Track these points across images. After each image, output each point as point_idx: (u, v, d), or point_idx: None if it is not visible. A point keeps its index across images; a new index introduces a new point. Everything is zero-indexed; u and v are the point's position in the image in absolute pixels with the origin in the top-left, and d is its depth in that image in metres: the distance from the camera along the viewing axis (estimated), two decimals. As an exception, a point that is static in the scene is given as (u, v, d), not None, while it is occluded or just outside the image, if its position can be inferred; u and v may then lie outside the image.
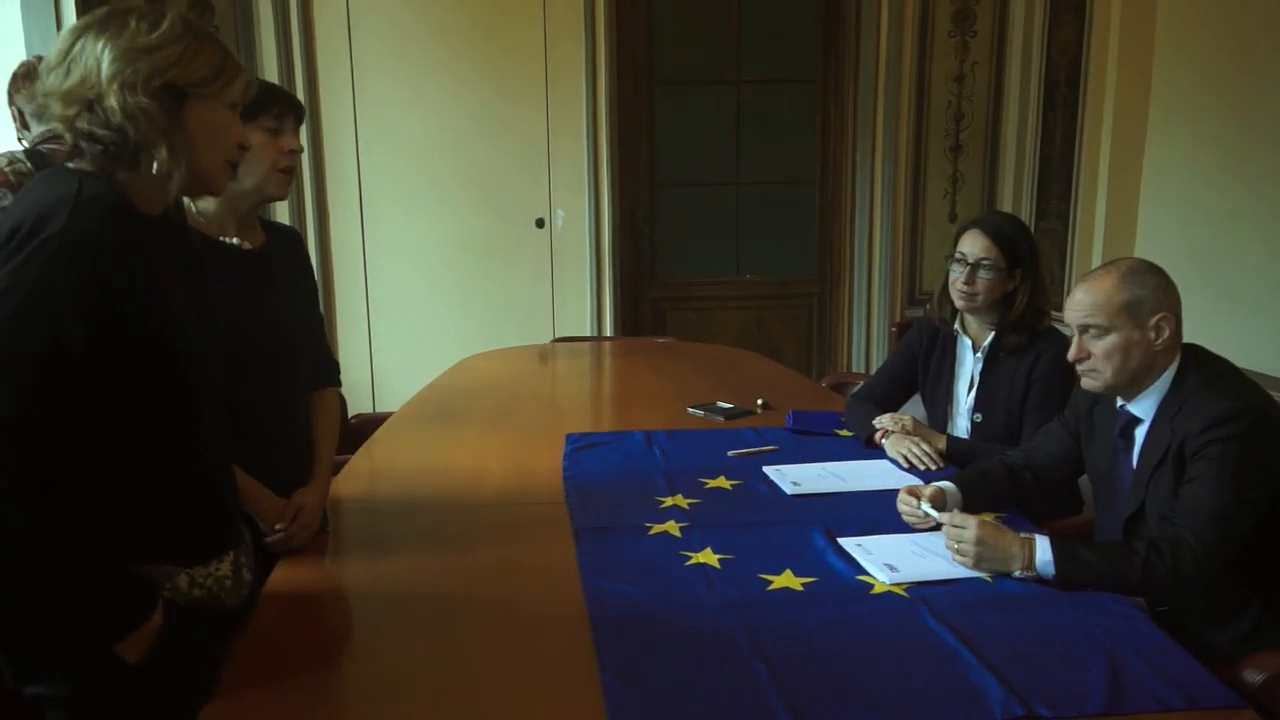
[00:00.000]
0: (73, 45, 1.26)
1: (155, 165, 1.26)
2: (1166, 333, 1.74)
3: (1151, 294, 1.75)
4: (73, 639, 1.23)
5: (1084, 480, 2.09)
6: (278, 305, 1.82)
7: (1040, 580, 1.63)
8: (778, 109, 5.14)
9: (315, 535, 1.81)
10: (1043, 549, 1.63)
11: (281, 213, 4.51)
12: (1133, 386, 1.79)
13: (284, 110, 1.78)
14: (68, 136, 1.28)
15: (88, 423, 1.21)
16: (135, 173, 1.28)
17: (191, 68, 1.28)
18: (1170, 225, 4.26)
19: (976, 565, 1.67)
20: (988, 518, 1.93)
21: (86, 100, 1.24)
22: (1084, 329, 1.78)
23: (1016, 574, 1.64)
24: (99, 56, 1.23)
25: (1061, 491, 2.15)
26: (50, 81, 1.26)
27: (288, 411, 1.87)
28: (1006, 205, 5.10)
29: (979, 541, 1.66)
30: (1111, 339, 1.75)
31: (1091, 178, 4.58)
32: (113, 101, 1.23)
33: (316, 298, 2.03)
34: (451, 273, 4.84)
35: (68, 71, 1.25)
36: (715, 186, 5.18)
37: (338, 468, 2.17)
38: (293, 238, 1.97)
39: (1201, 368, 1.77)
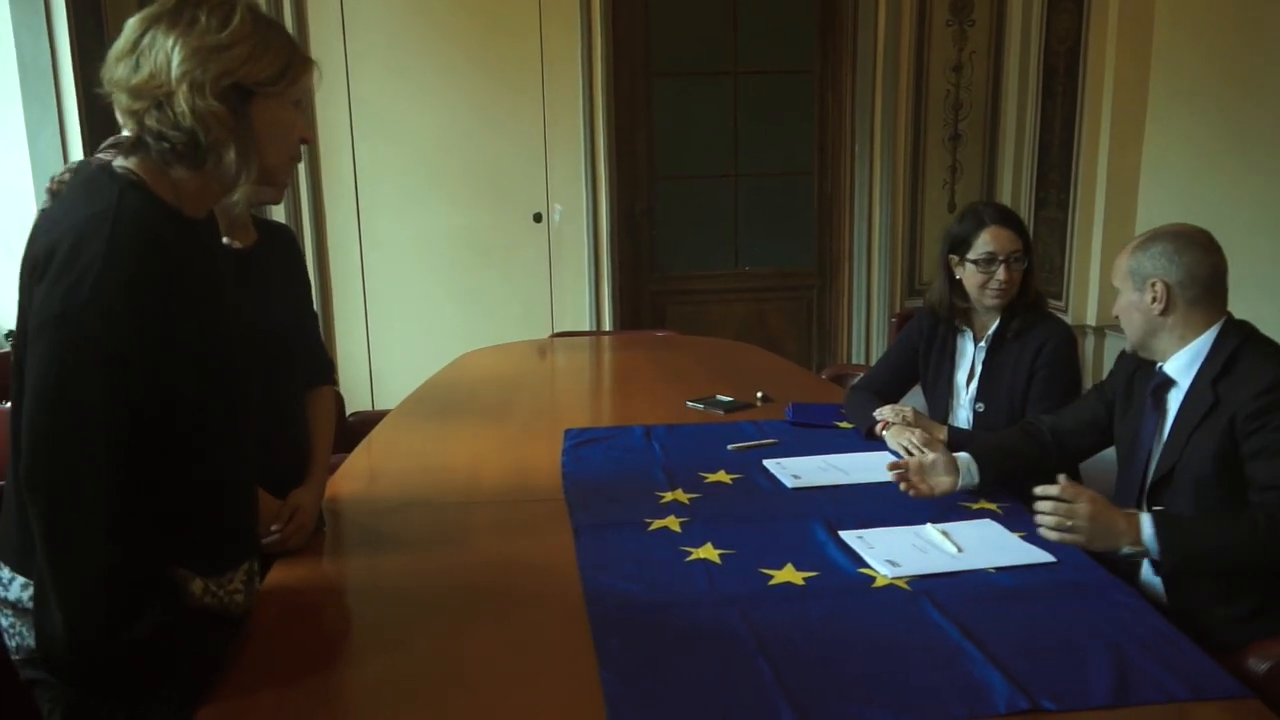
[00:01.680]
0: (141, 36, 1.23)
1: (224, 165, 1.25)
2: (1162, 298, 1.81)
3: (1151, 260, 1.84)
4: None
5: (1089, 463, 2.10)
6: (271, 304, 1.81)
7: (1145, 556, 1.67)
8: (776, 100, 5.12)
9: (311, 535, 1.80)
10: (1147, 523, 1.65)
11: (277, 209, 4.49)
12: (1153, 345, 1.87)
13: None
14: (130, 128, 1.25)
15: (146, 431, 1.20)
16: (197, 170, 1.26)
17: (259, 66, 1.26)
18: (1170, 211, 4.24)
19: (1089, 542, 1.68)
20: (990, 507, 1.93)
21: (155, 98, 1.22)
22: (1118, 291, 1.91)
23: (1125, 550, 1.67)
24: (170, 53, 1.21)
25: (1074, 464, 2.14)
26: (119, 72, 1.23)
27: (283, 411, 1.86)
28: (1006, 194, 5.08)
29: (1092, 518, 1.66)
30: (1120, 300, 1.90)
31: (1091, 166, 4.57)
32: (182, 103, 1.21)
33: (310, 296, 2.01)
34: (449, 268, 4.83)
35: (136, 65, 1.22)
36: (714, 179, 5.16)
37: (335, 467, 2.16)
38: (285, 235, 1.95)
39: (1244, 336, 1.81)
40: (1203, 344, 1.81)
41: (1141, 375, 1.95)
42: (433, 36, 4.63)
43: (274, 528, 1.73)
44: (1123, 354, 2.02)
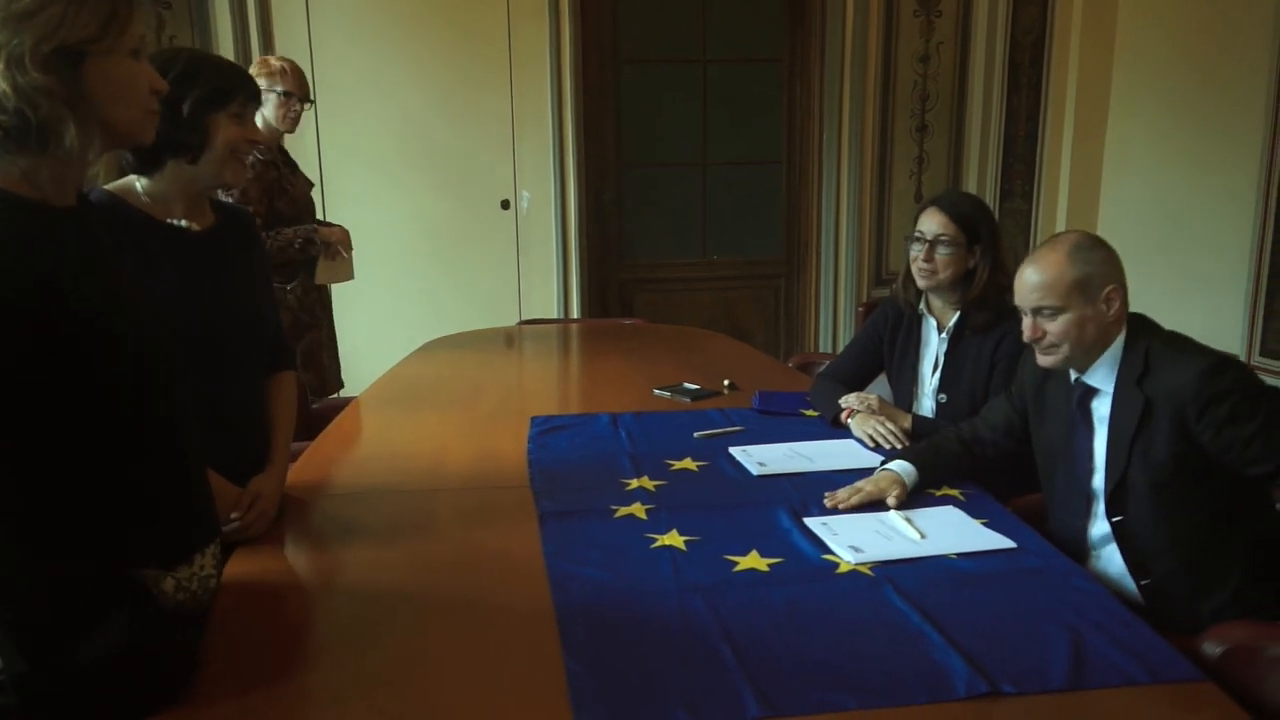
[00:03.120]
0: None
1: (66, 142, 1.13)
2: (1117, 304, 1.77)
3: (1099, 268, 1.77)
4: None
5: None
6: (230, 288, 1.78)
7: None
8: (744, 89, 5.12)
9: (273, 524, 1.78)
10: None
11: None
12: (1087, 358, 1.81)
13: (247, 98, 1.74)
14: None
15: (47, 435, 1.13)
16: (43, 156, 1.14)
17: (80, 23, 1.11)
18: (1132, 204, 4.30)
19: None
20: (953, 493, 1.94)
21: None
22: (1037, 310, 1.79)
23: None
24: None
25: (1016, 466, 2.14)
26: None
27: (243, 396, 1.83)
28: (971, 185, 5.13)
29: None
30: (1066, 317, 1.77)
31: (1055, 157, 4.62)
32: (2, 83, 1.08)
33: (270, 279, 1.98)
34: (415, 256, 4.78)
35: None
36: (682, 168, 5.15)
37: (296, 454, 2.13)
38: (244, 218, 1.91)
39: (1151, 332, 1.80)
40: (1117, 347, 1.79)
41: (1055, 385, 1.92)
42: (399, 21, 4.58)
43: (234, 516, 1.70)
44: (1025, 359, 1.99)
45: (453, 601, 1.53)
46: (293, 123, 3.16)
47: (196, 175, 1.70)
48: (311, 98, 3.23)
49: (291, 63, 3.19)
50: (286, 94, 3.13)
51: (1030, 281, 1.79)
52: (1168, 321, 1.85)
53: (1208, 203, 3.89)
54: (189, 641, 1.32)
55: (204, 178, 1.72)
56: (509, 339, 3.78)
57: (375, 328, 4.69)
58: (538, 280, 4.89)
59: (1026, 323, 1.82)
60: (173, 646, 1.26)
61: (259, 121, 3.17)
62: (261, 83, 3.16)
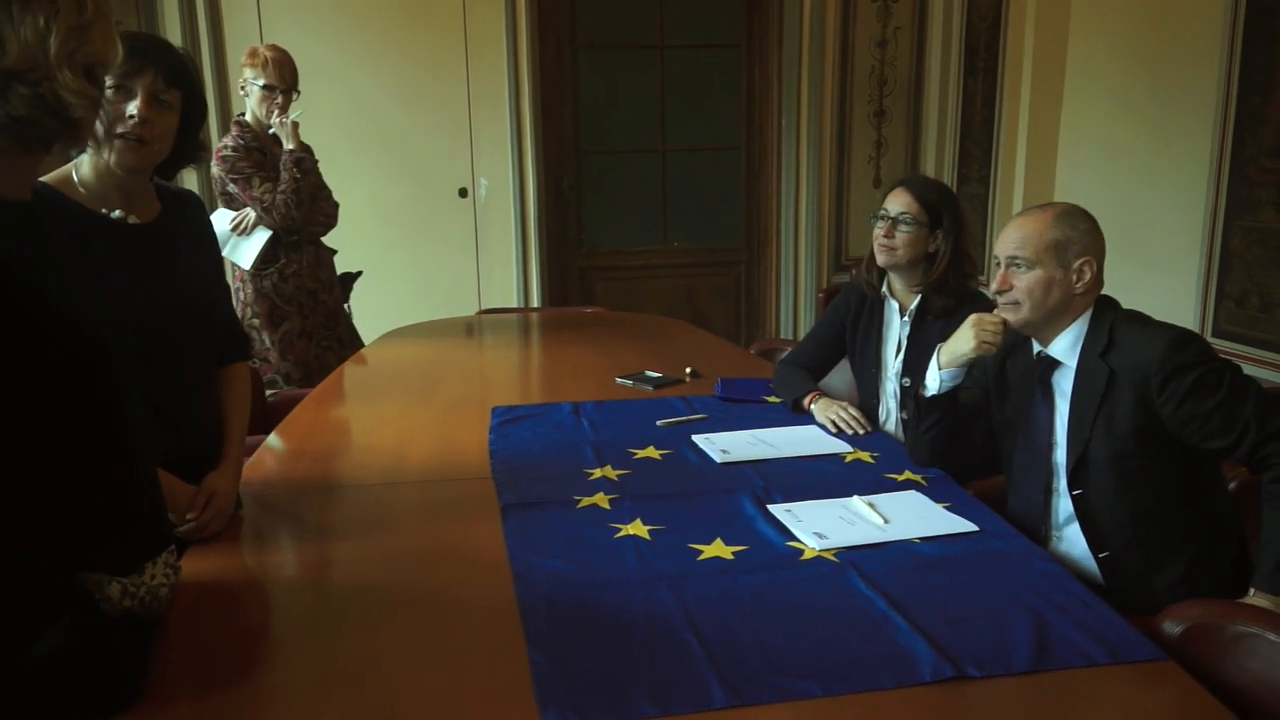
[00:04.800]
0: None
1: (85, 144, 1.18)
2: (1088, 276, 1.80)
3: (1080, 237, 1.80)
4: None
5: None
6: (178, 278, 1.73)
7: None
8: (702, 74, 5.10)
9: (228, 522, 1.74)
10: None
11: (190, 183, 4.32)
12: (1047, 326, 1.84)
13: (134, 68, 1.59)
14: None
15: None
16: (46, 155, 1.19)
17: (110, 48, 1.18)
18: (1087, 187, 4.36)
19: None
20: (916, 478, 1.96)
21: (28, 80, 1.10)
22: (1011, 260, 1.82)
23: None
24: (41, 32, 1.10)
25: (976, 449, 2.16)
26: None
27: (195, 390, 1.79)
28: (929, 170, 5.16)
29: None
30: (1035, 273, 1.80)
31: (1011, 142, 4.66)
32: (70, 88, 1.12)
33: (221, 267, 1.93)
34: (372, 245, 4.70)
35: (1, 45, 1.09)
36: (641, 154, 5.13)
37: (252, 449, 2.09)
38: (191, 203, 1.85)
39: (1117, 311, 1.83)
40: (1083, 322, 1.82)
41: (1016, 362, 1.94)
42: (351, 6, 4.50)
43: (189, 516, 1.66)
44: None
45: (414, 596, 1.51)
46: (278, 114, 3.08)
47: (105, 160, 1.62)
48: (298, 89, 3.16)
49: (279, 53, 3.12)
50: (269, 87, 3.06)
51: (1011, 233, 1.84)
52: (1125, 301, 1.88)
53: (1161, 185, 3.95)
54: (137, 648, 1.28)
55: (107, 162, 1.63)
56: (469, 329, 3.75)
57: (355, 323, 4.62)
58: (497, 269, 4.85)
59: (999, 273, 1.85)
60: (116, 654, 1.22)
61: (247, 115, 3.11)
62: (246, 74, 3.10)
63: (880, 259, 2.39)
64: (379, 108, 4.61)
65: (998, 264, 1.86)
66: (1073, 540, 1.83)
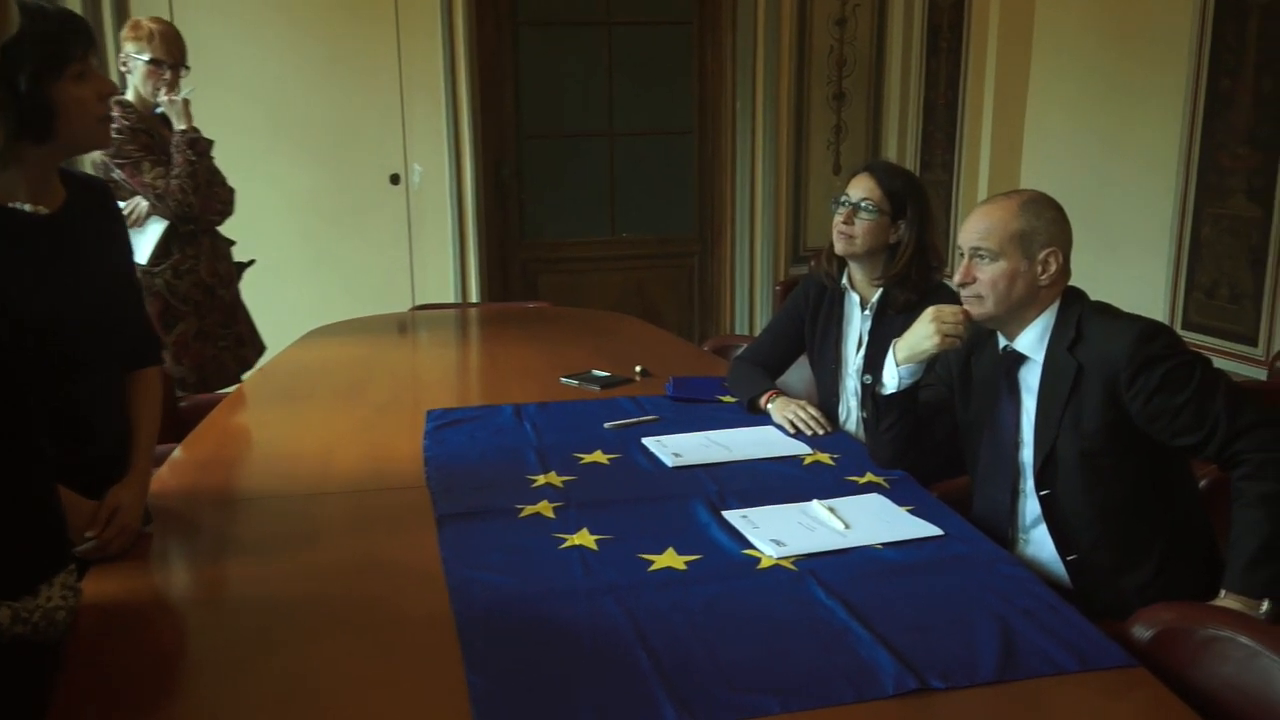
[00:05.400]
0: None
1: None
2: (1054, 267, 1.83)
3: (1046, 226, 1.83)
4: None
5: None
6: (84, 274, 1.68)
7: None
8: (652, 53, 5.11)
9: (135, 538, 1.70)
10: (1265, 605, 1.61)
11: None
12: (1013, 319, 1.86)
13: (85, 50, 1.60)
14: None
15: None
16: None
17: None
18: (1054, 173, 4.44)
19: None
20: (878, 481, 1.98)
21: None
22: (975, 251, 1.85)
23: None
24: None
25: (939, 448, 2.19)
26: None
27: (99, 395, 1.74)
28: (891, 155, 5.22)
29: None
30: (999, 265, 1.82)
31: (975, 125, 4.73)
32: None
33: (130, 262, 1.89)
34: (296, 236, 4.65)
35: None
36: (587, 138, 5.12)
37: (162, 459, 2.05)
38: (99, 189, 1.80)
39: (1085, 303, 1.86)
40: (1050, 315, 1.85)
41: (981, 358, 1.97)
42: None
43: (89, 533, 1.62)
44: None
45: (342, 615, 1.50)
46: (166, 91, 3.00)
47: (51, 151, 1.61)
48: (187, 63, 3.08)
49: (164, 25, 3.04)
50: (155, 62, 2.98)
51: (975, 223, 1.86)
52: (1091, 291, 1.91)
53: (1130, 172, 4.04)
54: (32, 679, 1.24)
55: (60, 151, 1.62)
56: (402, 326, 3.73)
57: (251, 315, 4.54)
58: (432, 261, 4.82)
59: (962, 265, 1.87)
60: (7, 686, 1.18)
61: (129, 94, 3.02)
62: (129, 48, 3.01)
63: (839, 247, 2.42)
64: (302, 87, 4.54)
65: (961, 254, 1.89)
66: (1040, 543, 1.86)
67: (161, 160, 2.98)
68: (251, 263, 3.38)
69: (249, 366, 3.27)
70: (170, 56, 3.00)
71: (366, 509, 1.91)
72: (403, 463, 2.11)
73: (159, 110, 3.04)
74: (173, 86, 2.99)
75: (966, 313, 1.89)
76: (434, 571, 1.61)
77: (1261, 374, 3.36)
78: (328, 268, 4.69)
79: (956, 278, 1.88)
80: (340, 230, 4.69)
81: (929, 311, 1.94)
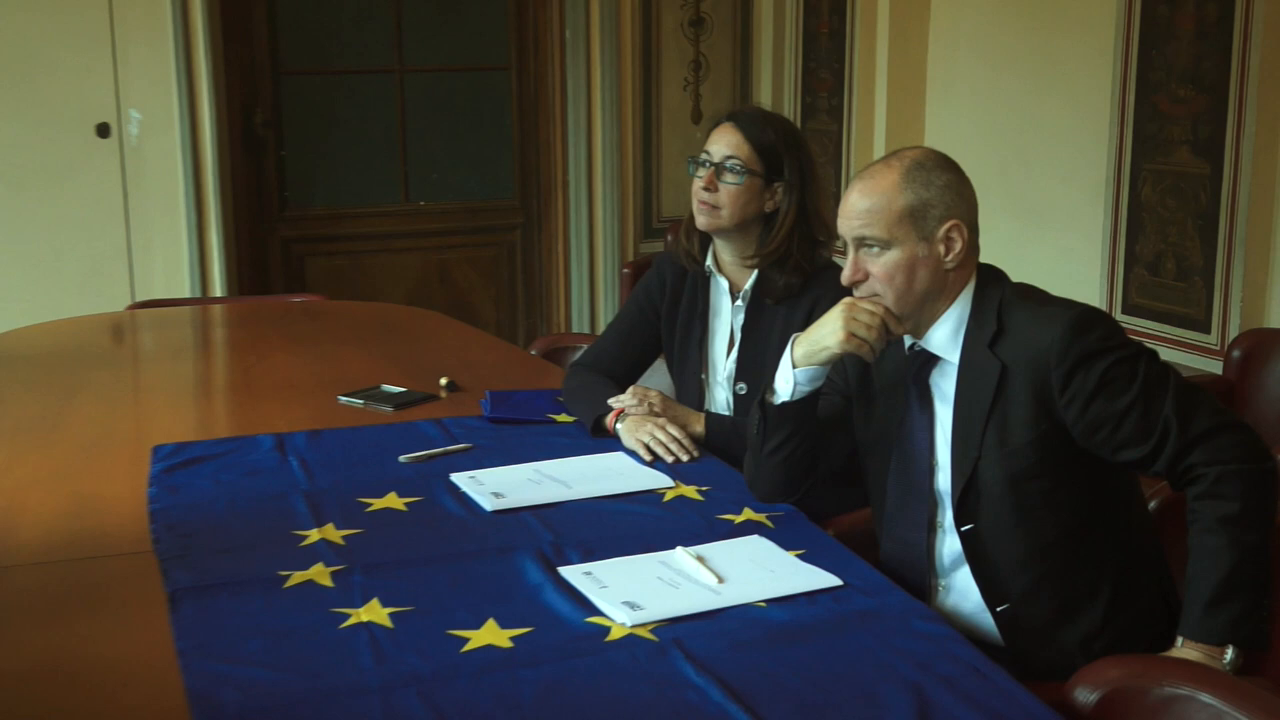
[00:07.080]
0: None
1: None
2: (958, 244, 1.87)
3: (939, 195, 1.86)
4: None
5: None
6: None
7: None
8: (452, -35, 5.10)
9: None
10: (1229, 652, 1.69)
11: None
12: (920, 315, 1.91)
13: None
14: None
15: None
16: None
17: None
18: (963, 121, 4.62)
19: None
20: (759, 519, 2.00)
21: None
22: (860, 242, 1.88)
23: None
24: None
25: (837, 475, 2.23)
26: None
27: None
28: (766, 99, 5.34)
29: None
30: (892, 255, 1.85)
31: (868, 61, 4.87)
32: None
33: None
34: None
35: None
36: (369, 75, 5.10)
37: None
38: None
39: (1005, 286, 1.92)
40: (963, 304, 1.91)
41: (883, 359, 2.00)
42: None
43: None
44: None
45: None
46: None
47: None
48: None
49: None
50: None
51: (854, 205, 1.88)
52: (1011, 270, 1.99)
53: (1056, 118, 4.24)
54: None
55: None
56: (116, 331, 3.65)
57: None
58: (158, 242, 4.72)
59: (849, 259, 1.90)
60: None
61: None
62: None
63: (700, 220, 2.44)
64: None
65: (843, 245, 1.92)
66: (963, 591, 1.93)
67: None
68: None
69: None
70: None
71: (66, 586, 1.85)
72: (119, 519, 2.06)
73: None
74: None
75: (891, 315, 1.90)
76: (164, 669, 1.56)
77: (1216, 366, 3.51)
78: (9, 252, 4.54)
79: (845, 275, 1.90)
80: (25, 201, 4.56)
81: (844, 302, 1.95)
